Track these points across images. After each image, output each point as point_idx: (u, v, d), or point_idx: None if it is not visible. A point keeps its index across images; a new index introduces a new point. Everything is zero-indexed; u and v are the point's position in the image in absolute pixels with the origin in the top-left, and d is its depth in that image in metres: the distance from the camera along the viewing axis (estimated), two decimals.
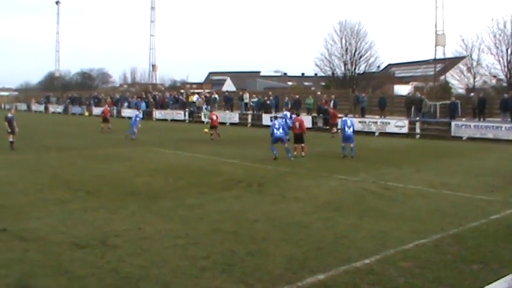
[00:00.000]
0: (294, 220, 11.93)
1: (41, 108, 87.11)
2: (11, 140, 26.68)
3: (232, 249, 9.65)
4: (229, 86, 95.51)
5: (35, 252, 9.42)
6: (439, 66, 58.22)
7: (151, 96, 66.88)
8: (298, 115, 27.53)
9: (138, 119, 32.99)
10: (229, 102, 54.73)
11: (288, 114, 31.95)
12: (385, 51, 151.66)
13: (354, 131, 24.66)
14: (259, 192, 15.41)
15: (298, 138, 24.34)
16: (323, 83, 73.12)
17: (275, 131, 23.09)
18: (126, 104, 66.21)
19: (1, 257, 9.15)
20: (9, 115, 27.04)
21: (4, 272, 8.40)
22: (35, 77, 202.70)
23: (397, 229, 11.10)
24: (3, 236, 10.45)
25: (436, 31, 53.38)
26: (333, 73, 64.65)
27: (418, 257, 9.24)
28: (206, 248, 9.74)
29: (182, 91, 71.54)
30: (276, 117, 33.88)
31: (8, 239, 10.29)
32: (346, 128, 24.04)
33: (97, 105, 70.58)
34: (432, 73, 56.71)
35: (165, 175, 18.61)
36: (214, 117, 33.78)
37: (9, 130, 26.65)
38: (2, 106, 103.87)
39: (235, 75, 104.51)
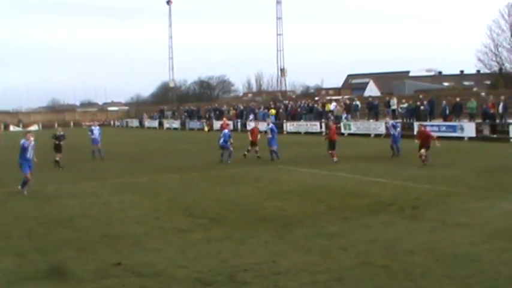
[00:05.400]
0: (460, 252, 11.60)
1: (155, 124, 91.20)
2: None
3: (384, 287, 9.56)
4: (372, 90, 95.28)
5: None
6: None
7: (281, 105, 67.85)
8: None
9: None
10: (373, 109, 54.35)
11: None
12: None
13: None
14: (414, 218, 15.19)
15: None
16: (488, 82, 71.05)
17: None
18: (251, 116, 67.57)
19: None
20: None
21: None
22: (146, 88, 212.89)
23: None
24: (118, 271, 10.96)
25: None
26: (500, 69, 62.73)
27: None
28: (352, 285, 9.72)
29: (317, 98, 72.20)
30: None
31: (124, 274, 10.79)
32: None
33: (218, 118, 72.63)
34: None
35: (301, 198, 18.79)
36: (255, 131, 32.69)
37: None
38: (112, 123, 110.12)
39: (380, 77, 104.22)
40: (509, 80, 61.04)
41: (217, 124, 69.33)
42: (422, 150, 26.43)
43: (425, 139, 26.92)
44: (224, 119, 51.87)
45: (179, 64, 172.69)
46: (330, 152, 29.94)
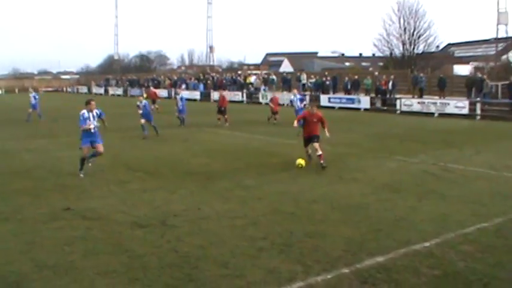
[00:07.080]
0: (352, 201, 11.91)
1: (101, 90, 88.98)
2: None
3: (290, 230, 9.72)
4: (286, 66, 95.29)
5: (97, 231, 9.77)
6: (500, 46, 56.49)
7: (209, 77, 67.33)
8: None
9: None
10: (287, 83, 54.60)
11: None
12: (444, 30, 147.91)
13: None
14: (317, 173, 15.41)
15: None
16: (381, 64, 72.66)
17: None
18: (184, 86, 66.88)
19: (65, 234, 9.54)
20: None
21: (69, 249, 8.76)
22: (94, 60, 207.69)
23: (457, 212, 10.95)
24: (67, 215, 10.87)
25: (498, 9, 51.39)
26: (391, 53, 64.00)
27: (479, 241, 9.09)
28: (264, 228, 9.86)
29: (240, 72, 71.75)
30: None
31: (72, 217, 10.70)
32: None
33: (155, 87, 71.55)
34: (493, 52, 54.97)
35: (223, 156, 18.84)
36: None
37: None
38: (65, 89, 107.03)
39: (293, 56, 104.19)
40: (397, 62, 62.29)
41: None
42: (316, 145, 16.40)
43: (315, 124, 16.73)
44: (150, 88, 51.08)
45: (123, 40, 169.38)
46: (217, 117, 30.06)
